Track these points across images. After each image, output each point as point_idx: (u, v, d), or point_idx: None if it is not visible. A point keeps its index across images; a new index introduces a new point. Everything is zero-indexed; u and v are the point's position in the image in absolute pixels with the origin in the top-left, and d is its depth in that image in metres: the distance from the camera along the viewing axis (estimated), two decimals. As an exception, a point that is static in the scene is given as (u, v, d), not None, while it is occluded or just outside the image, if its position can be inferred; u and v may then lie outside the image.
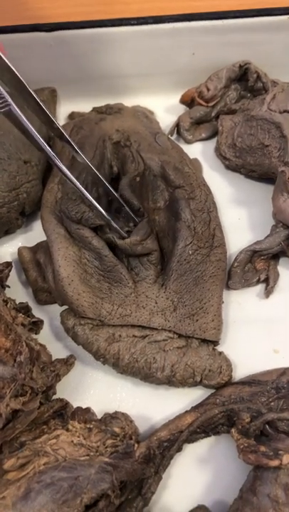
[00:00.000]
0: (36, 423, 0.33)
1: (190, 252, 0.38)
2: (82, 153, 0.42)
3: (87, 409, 0.33)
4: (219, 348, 0.37)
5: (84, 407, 0.35)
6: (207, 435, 0.35)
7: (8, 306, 0.36)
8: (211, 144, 0.48)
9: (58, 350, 0.38)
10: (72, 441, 0.31)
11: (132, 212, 0.40)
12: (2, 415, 0.29)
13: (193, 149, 0.48)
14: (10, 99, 0.31)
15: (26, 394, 0.32)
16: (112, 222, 0.37)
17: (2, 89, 0.31)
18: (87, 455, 0.31)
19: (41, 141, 0.33)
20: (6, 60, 0.32)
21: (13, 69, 0.32)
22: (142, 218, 0.39)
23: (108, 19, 0.44)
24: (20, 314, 0.34)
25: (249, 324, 0.39)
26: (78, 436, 0.32)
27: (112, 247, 0.38)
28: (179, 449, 0.34)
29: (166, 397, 0.36)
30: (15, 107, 0.31)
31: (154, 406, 0.36)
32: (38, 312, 0.39)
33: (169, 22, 0.44)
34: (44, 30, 0.44)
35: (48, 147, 0.34)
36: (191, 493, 0.33)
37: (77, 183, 0.35)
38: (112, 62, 0.47)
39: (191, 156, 0.45)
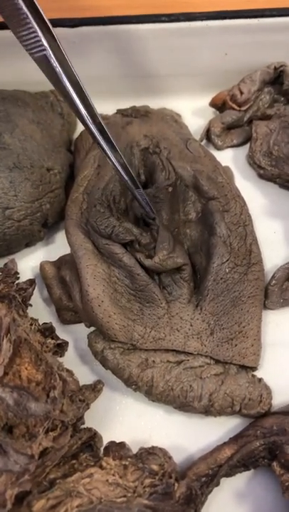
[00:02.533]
0: (65, 457, 0.31)
1: (227, 271, 0.36)
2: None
3: (122, 444, 0.31)
4: (257, 374, 0.35)
5: (113, 436, 0.32)
6: (247, 469, 0.32)
7: (33, 328, 0.33)
8: (243, 150, 0.45)
9: (83, 374, 0.35)
10: (107, 481, 0.29)
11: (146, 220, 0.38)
12: (35, 456, 0.26)
13: (224, 156, 0.45)
14: (46, 44, 0.27)
15: (56, 428, 0.29)
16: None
17: (39, 32, 0.27)
18: (124, 496, 0.28)
19: (75, 98, 0.30)
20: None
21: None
22: (156, 227, 0.37)
23: (136, 15, 0.41)
24: (48, 340, 0.32)
25: (288, 347, 0.36)
26: (113, 475, 0.29)
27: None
28: (217, 484, 0.31)
29: (200, 426, 0.34)
30: (50, 53, 0.27)
31: (188, 436, 0.34)
32: (61, 332, 0.37)
33: (201, 20, 0.41)
34: (67, 26, 0.41)
35: (83, 107, 0.30)
36: (230, 530, 0.31)
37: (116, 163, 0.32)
38: (138, 62, 0.44)
39: (222, 164, 0.43)
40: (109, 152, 0.32)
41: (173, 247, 0.36)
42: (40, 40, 0.27)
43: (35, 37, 0.27)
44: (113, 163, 0.32)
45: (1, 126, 0.37)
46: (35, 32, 0.27)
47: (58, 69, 0.28)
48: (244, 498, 0.32)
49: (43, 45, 0.27)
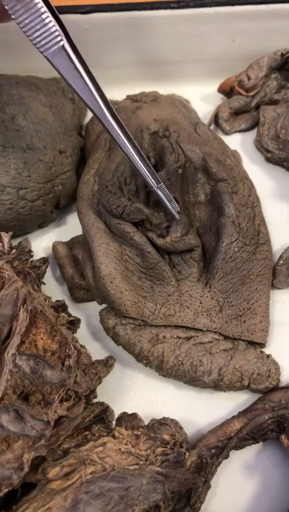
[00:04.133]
0: (78, 428, 0.32)
1: (236, 250, 0.36)
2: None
3: (134, 415, 0.31)
4: (265, 350, 0.35)
5: (125, 411, 0.33)
6: (255, 442, 0.33)
7: (47, 304, 0.34)
8: (250, 135, 0.46)
9: (95, 350, 0.36)
10: (119, 449, 0.30)
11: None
12: (50, 423, 0.27)
13: (232, 140, 0.46)
14: (64, 36, 0.26)
15: (70, 398, 0.30)
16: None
17: (56, 25, 0.26)
18: (137, 464, 0.29)
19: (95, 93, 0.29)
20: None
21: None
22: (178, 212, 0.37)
23: (146, 2, 0.42)
24: (62, 314, 0.32)
25: (295, 325, 0.37)
26: (126, 444, 0.30)
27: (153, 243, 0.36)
28: (227, 456, 0.32)
29: (210, 401, 0.35)
30: (67, 46, 0.27)
31: (198, 410, 0.34)
32: (73, 310, 0.38)
33: (211, 6, 0.42)
34: (80, 12, 0.42)
35: (102, 100, 0.29)
36: (239, 501, 0.32)
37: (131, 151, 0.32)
38: (148, 48, 0.45)
39: (231, 148, 0.43)
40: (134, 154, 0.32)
41: (187, 230, 0.36)
42: (57, 31, 0.26)
43: (53, 31, 0.26)
44: (136, 160, 0.32)
45: (14, 109, 0.37)
46: (52, 24, 0.26)
47: (76, 61, 0.27)
48: (253, 471, 0.33)
49: (59, 36, 0.26)
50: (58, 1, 0.43)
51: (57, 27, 0.27)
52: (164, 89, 0.47)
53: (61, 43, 0.27)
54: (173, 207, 0.36)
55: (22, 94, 0.39)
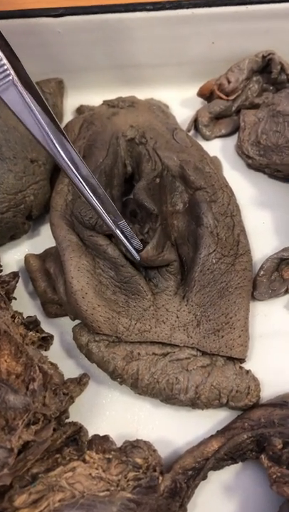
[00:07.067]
0: (49, 451, 0.30)
1: (214, 261, 0.35)
2: (94, 152, 0.39)
3: (106, 438, 0.30)
4: (245, 366, 0.34)
5: (99, 430, 0.32)
6: (234, 462, 0.32)
7: (16, 321, 0.32)
8: (231, 140, 0.45)
9: (69, 367, 0.35)
10: (90, 474, 0.28)
11: (146, 216, 0.37)
12: (14, 450, 0.26)
13: (212, 146, 0.44)
14: (12, 71, 0.26)
15: (38, 421, 0.29)
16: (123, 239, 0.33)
17: (4, 59, 0.25)
18: (108, 490, 0.28)
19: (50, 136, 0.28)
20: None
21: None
22: (156, 226, 0.36)
23: (121, 4, 0.40)
24: (31, 333, 0.31)
25: (277, 338, 0.36)
26: (97, 469, 0.29)
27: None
28: (204, 478, 0.31)
29: (188, 419, 0.33)
30: (17, 82, 0.26)
31: (175, 429, 0.33)
32: (46, 325, 0.36)
33: (188, 8, 0.40)
34: (52, 16, 0.40)
35: (57, 140, 0.28)
36: (218, 525, 0.30)
37: (87, 194, 0.30)
38: (124, 51, 0.44)
39: (210, 154, 0.42)
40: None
41: (162, 246, 0.35)
42: (5, 65, 0.25)
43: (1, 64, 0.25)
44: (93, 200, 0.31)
45: (-18, 118, 0.36)
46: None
47: (27, 97, 0.26)
48: (232, 492, 0.32)
49: (7, 71, 0.26)
50: (31, 4, 0.42)
51: (5, 61, 0.26)
52: (142, 94, 0.46)
53: (10, 78, 0.26)
54: (135, 244, 0.34)
55: (-9, 101, 0.37)
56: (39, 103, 0.27)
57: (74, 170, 0.29)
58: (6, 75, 0.26)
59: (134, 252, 0.34)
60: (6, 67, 0.26)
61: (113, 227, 0.32)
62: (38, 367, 0.27)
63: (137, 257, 0.34)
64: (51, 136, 0.28)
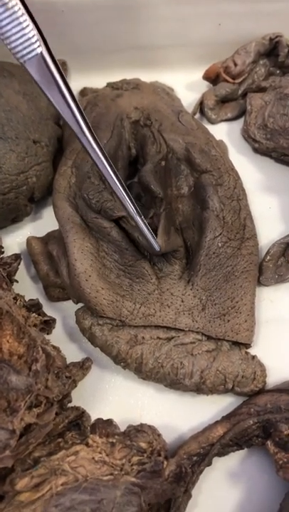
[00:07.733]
0: (51, 435, 0.30)
1: (219, 245, 0.34)
2: (98, 134, 0.38)
3: (109, 422, 0.30)
4: (250, 351, 0.34)
5: (102, 415, 0.31)
6: (240, 448, 0.31)
7: (18, 303, 0.32)
8: (237, 124, 0.44)
9: (72, 352, 0.34)
10: (93, 458, 0.28)
11: (151, 200, 0.36)
12: (16, 431, 0.25)
13: (218, 130, 0.43)
14: (42, 43, 0.25)
15: (41, 404, 0.28)
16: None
17: (35, 30, 0.25)
18: (111, 474, 0.27)
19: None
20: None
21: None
22: (160, 211, 0.35)
23: (127, -18, 0.40)
24: (33, 314, 0.30)
25: (283, 324, 0.35)
26: (100, 453, 0.28)
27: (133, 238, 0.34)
28: (209, 463, 0.30)
29: (192, 404, 0.33)
30: (46, 54, 0.25)
31: (179, 415, 0.33)
32: (49, 309, 0.36)
33: (194, -13, 0.40)
34: (55, -6, 0.39)
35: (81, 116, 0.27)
36: (223, 511, 0.30)
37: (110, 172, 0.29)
38: (128, 33, 0.43)
39: (216, 138, 0.41)
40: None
41: (169, 235, 0.34)
42: (35, 37, 0.25)
43: (31, 36, 0.25)
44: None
45: (-16, 97, 0.35)
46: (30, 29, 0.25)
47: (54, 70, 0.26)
48: (237, 478, 0.31)
49: (37, 42, 0.25)
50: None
51: (35, 32, 0.25)
52: (146, 77, 0.45)
53: (39, 50, 0.25)
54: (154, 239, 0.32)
55: (-7, 80, 0.36)
56: (63, 79, 0.26)
57: (97, 150, 0.28)
58: (35, 48, 0.25)
59: (153, 242, 0.32)
60: (35, 38, 0.25)
61: (136, 215, 0.31)
62: (40, 348, 0.27)
63: (157, 248, 0.32)
64: (76, 113, 0.27)
